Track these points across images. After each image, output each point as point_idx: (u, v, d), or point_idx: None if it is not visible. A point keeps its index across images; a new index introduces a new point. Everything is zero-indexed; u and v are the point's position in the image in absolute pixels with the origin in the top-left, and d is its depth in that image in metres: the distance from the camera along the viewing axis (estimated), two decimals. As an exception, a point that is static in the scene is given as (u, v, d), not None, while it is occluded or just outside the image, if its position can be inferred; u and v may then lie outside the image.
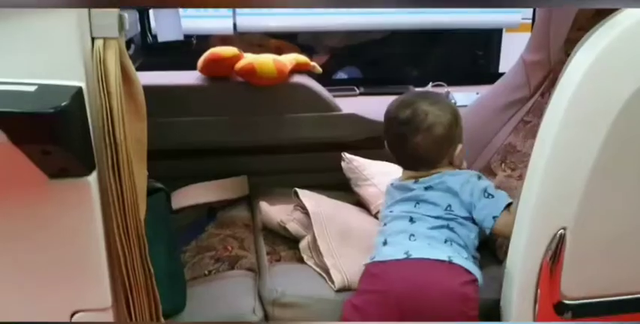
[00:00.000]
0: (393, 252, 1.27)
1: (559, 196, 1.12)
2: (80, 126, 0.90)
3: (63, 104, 0.83)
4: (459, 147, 1.37)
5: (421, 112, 1.33)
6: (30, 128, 0.82)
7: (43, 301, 1.00)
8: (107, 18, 0.92)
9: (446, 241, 1.27)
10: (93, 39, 0.92)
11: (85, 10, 0.90)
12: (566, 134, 1.09)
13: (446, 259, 1.22)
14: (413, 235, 1.29)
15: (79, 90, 0.89)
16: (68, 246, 0.97)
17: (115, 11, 0.92)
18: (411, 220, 1.32)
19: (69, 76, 0.90)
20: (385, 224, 1.37)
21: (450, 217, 1.30)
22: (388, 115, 1.40)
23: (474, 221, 1.31)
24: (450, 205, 1.31)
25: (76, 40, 0.90)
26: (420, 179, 1.36)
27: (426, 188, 1.34)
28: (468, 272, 1.22)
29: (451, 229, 1.29)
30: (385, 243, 1.31)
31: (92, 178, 0.94)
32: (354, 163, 1.74)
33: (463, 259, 1.24)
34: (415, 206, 1.34)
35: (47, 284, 0.99)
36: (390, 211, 1.38)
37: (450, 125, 1.34)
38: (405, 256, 1.24)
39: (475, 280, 1.22)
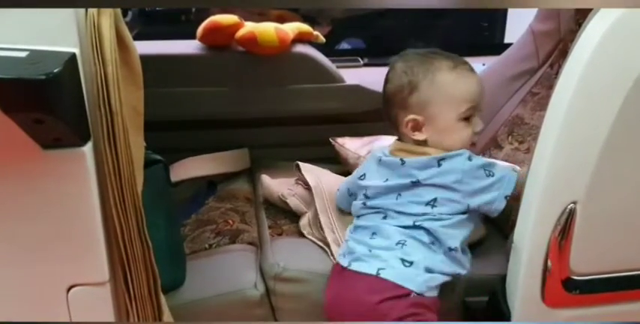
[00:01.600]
0: (342, 256, 1.22)
1: (570, 170, 1.08)
2: (74, 94, 0.86)
3: (55, 70, 0.79)
4: (409, 117, 1.21)
5: (390, 66, 1.26)
6: (21, 95, 0.78)
7: (38, 275, 0.97)
8: (101, -19, 0.88)
9: (397, 244, 1.16)
10: (87, 3, 0.88)
11: (78, -26, 0.86)
12: (579, 106, 1.05)
13: (373, 272, 1.13)
14: (375, 233, 1.20)
15: (73, 56, 0.85)
16: (63, 218, 0.94)
17: (110, -26, 0.88)
18: (385, 217, 1.22)
19: (62, 42, 0.86)
20: (359, 216, 1.28)
21: (429, 217, 1.17)
22: None
23: (463, 212, 1.19)
24: (435, 199, 1.18)
25: (69, 4, 0.86)
26: (407, 159, 1.22)
27: (414, 183, 1.20)
28: (397, 287, 1.11)
29: (424, 229, 1.17)
30: (346, 240, 1.25)
31: (87, 148, 0.90)
32: (346, 145, 1.70)
33: (400, 269, 1.13)
34: (397, 198, 1.21)
35: (42, 258, 0.96)
36: (363, 204, 1.26)
37: (401, 89, 1.21)
38: (347, 264, 1.18)
39: (406, 294, 1.11)
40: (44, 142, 0.87)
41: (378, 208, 1.23)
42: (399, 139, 1.29)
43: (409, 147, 1.25)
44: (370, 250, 1.17)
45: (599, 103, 1.04)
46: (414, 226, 1.18)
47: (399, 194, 1.22)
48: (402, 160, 1.23)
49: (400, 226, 1.19)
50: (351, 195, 1.35)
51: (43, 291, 0.99)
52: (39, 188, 0.92)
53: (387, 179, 1.24)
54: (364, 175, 1.30)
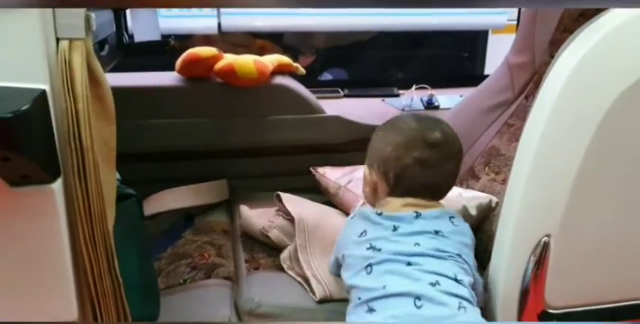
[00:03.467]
0: None
1: (543, 203, 1.09)
2: (43, 131, 0.86)
3: (23, 108, 0.79)
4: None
5: (451, 137, 1.21)
6: (-14, 134, 0.78)
7: (3, 313, 0.95)
8: (73, 18, 0.87)
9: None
10: (58, 40, 0.88)
11: (49, 10, 0.86)
12: (550, 138, 1.06)
13: None
14: (418, 298, 1.03)
15: (42, 93, 0.85)
16: (32, 255, 0.92)
17: (81, 11, 0.88)
18: (409, 263, 1.09)
19: (32, 79, 0.86)
20: (370, 271, 1.10)
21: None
22: (408, 133, 1.21)
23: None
24: (459, 255, 1.14)
25: (39, 40, 0.85)
26: (422, 212, 1.17)
27: (437, 232, 1.15)
28: None
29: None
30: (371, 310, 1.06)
31: (57, 185, 0.89)
32: (327, 175, 1.69)
33: None
34: (415, 245, 1.11)
35: (9, 296, 0.94)
36: (376, 251, 1.12)
37: (460, 150, 1.26)
38: None
39: None
40: (12, 180, 0.86)
41: (401, 254, 1.11)
42: (401, 197, 1.21)
43: (420, 202, 1.20)
44: None
45: (570, 136, 1.05)
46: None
47: (418, 242, 1.13)
48: (416, 212, 1.17)
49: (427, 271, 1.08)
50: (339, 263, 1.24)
51: (8, 330, 0.97)
52: (6, 226, 0.90)
53: (395, 229, 1.16)
54: (364, 231, 1.17)
